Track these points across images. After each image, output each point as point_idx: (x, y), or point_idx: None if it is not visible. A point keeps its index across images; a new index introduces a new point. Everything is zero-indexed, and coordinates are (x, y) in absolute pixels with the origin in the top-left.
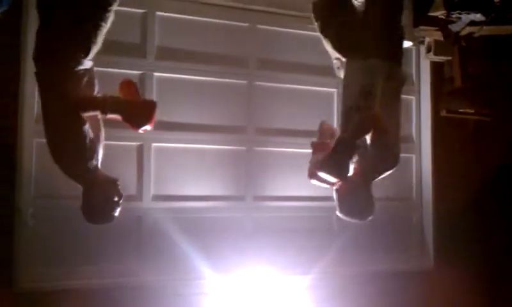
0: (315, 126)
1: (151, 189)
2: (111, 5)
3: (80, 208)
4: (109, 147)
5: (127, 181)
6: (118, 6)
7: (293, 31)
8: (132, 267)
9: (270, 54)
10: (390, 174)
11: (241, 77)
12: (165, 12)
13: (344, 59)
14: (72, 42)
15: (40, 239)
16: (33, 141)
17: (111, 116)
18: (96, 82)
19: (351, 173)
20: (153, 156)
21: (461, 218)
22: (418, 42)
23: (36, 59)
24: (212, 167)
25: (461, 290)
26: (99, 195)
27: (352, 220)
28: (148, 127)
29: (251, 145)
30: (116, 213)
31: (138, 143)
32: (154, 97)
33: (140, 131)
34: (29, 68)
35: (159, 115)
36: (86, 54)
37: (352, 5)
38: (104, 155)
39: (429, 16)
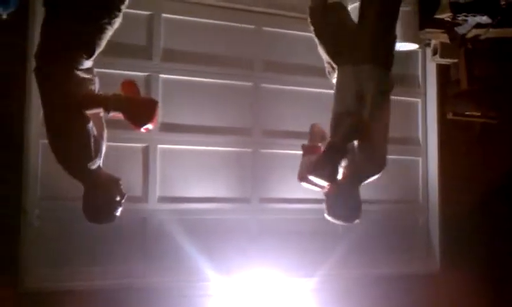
0: None
1: (156, 191)
2: (119, 9)
3: (82, 207)
4: (114, 148)
5: (133, 182)
6: None
7: (298, 32)
8: (137, 269)
9: (275, 56)
10: (396, 177)
11: (247, 79)
12: (170, 14)
13: (335, 65)
14: (76, 42)
15: (46, 240)
16: (39, 142)
17: (113, 114)
18: (97, 81)
19: (340, 176)
20: (159, 157)
21: (467, 220)
22: (424, 44)
23: (39, 56)
24: (217, 169)
25: (467, 292)
26: (101, 194)
27: (340, 223)
28: (150, 126)
29: (257, 147)
30: (118, 213)
31: (144, 145)
32: (160, 99)
33: (142, 130)
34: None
35: (164, 117)
36: (90, 55)
37: (347, 11)
38: (109, 156)
39: (435, 18)
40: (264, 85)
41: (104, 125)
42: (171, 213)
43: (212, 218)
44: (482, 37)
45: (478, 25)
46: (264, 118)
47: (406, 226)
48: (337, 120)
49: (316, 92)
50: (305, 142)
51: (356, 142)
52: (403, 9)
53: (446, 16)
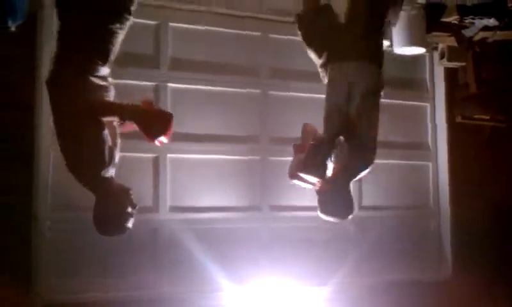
0: None
1: (167, 200)
2: (129, 12)
3: (92, 218)
4: (125, 158)
5: (143, 192)
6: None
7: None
8: (149, 279)
9: (282, 63)
10: (406, 182)
11: (254, 87)
12: (178, 23)
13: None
14: (90, 47)
15: (57, 250)
16: (50, 152)
17: (127, 125)
18: (112, 89)
19: (330, 173)
20: (169, 167)
21: (479, 225)
22: (431, 48)
23: (54, 62)
24: (227, 178)
25: (480, 298)
26: (112, 205)
27: (332, 220)
28: (164, 139)
29: (265, 154)
30: (130, 225)
31: (154, 155)
32: (168, 108)
33: (156, 142)
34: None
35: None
36: (104, 61)
37: (333, 12)
38: (120, 166)
39: (442, 22)
40: (271, 92)
41: (118, 133)
42: (182, 223)
43: (223, 227)
44: (490, 40)
45: (485, 28)
46: (271, 125)
47: (417, 231)
48: (328, 118)
49: (323, 98)
50: None
51: (343, 138)
52: (410, 13)
53: (453, 19)
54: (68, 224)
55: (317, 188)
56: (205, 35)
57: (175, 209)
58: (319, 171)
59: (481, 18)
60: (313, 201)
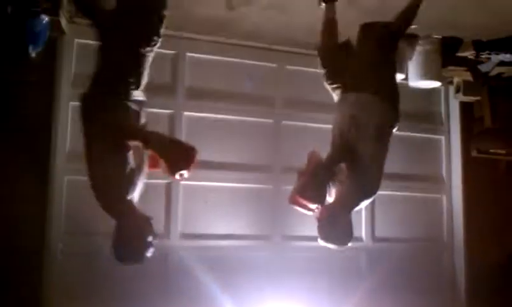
0: None
1: (178, 227)
2: (159, 35)
3: (112, 244)
4: None
5: (155, 218)
6: None
7: (319, 70)
8: (159, 305)
9: (296, 93)
10: (420, 215)
11: (268, 116)
12: (195, 53)
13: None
14: (123, 71)
15: (68, 274)
16: (64, 178)
17: (152, 163)
18: (143, 115)
19: (331, 199)
20: (181, 194)
21: (494, 260)
22: (446, 82)
23: (91, 84)
24: (238, 206)
25: None
26: (134, 232)
27: (332, 247)
28: (185, 173)
29: (278, 184)
30: (149, 254)
31: (166, 181)
32: (183, 135)
33: (177, 176)
34: (62, 107)
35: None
36: (137, 85)
37: (352, 46)
38: None
39: (458, 56)
40: (284, 122)
41: (145, 159)
42: (193, 250)
43: (233, 255)
44: (506, 75)
45: (501, 63)
46: (284, 154)
47: (430, 265)
48: (331, 144)
49: None
50: None
51: (345, 167)
52: (426, 47)
53: (469, 54)
54: (80, 248)
55: (316, 214)
56: (221, 65)
57: (186, 236)
58: (317, 196)
59: (497, 54)
60: None
